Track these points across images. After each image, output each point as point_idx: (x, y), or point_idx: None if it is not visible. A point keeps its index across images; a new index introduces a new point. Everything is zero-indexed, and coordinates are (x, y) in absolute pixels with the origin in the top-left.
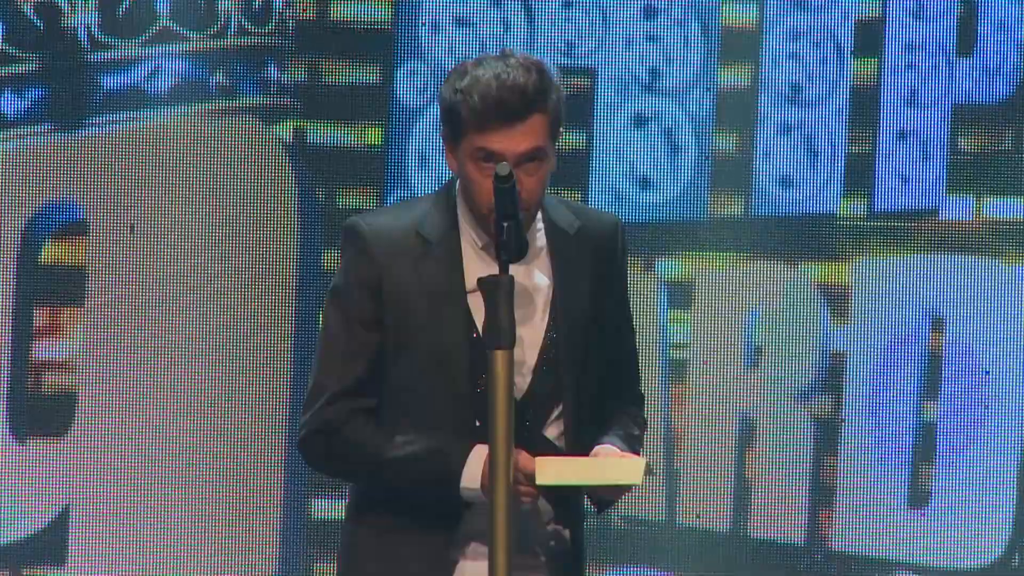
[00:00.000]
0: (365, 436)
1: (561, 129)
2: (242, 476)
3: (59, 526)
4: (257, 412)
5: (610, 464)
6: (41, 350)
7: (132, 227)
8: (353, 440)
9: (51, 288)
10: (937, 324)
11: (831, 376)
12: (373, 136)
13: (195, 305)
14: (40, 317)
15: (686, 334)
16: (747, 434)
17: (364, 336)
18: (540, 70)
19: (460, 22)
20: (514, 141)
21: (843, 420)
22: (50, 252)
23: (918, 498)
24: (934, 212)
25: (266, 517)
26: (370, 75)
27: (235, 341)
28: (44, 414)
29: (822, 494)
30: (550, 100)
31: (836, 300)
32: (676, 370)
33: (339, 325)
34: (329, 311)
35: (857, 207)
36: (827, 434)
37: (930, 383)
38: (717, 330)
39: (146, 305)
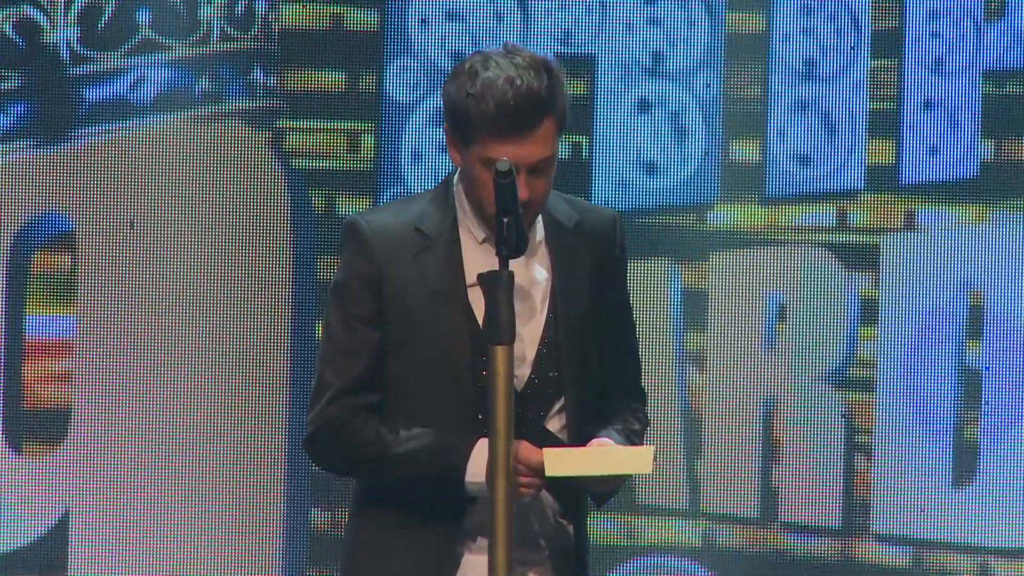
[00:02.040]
0: (369, 433)
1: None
2: (242, 478)
3: (59, 533)
4: (256, 415)
5: (618, 453)
6: (35, 359)
7: (132, 223)
8: (357, 437)
9: (42, 297)
10: (975, 297)
11: (863, 356)
12: (366, 133)
13: (189, 310)
14: (33, 326)
15: (704, 321)
16: (772, 418)
17: (366, 333)
18: (548, 70)
19: (451, 16)
20: (527, 150)
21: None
22: (40, 262)
23: (962, 477)
24: (967, 182)
25: (267, 518)
26: (362, 71)
27: (232, 345)
28: (40, 421)
29: (859, 476)
30: (559, 101)
31: (863, 277)
32: (694, 358)
33: (340, 323)
34: (331, 309)
35: (882, 181)
36: (861, 414)
37: (971, 358)
38: (736, 315)
39: (139, 312)
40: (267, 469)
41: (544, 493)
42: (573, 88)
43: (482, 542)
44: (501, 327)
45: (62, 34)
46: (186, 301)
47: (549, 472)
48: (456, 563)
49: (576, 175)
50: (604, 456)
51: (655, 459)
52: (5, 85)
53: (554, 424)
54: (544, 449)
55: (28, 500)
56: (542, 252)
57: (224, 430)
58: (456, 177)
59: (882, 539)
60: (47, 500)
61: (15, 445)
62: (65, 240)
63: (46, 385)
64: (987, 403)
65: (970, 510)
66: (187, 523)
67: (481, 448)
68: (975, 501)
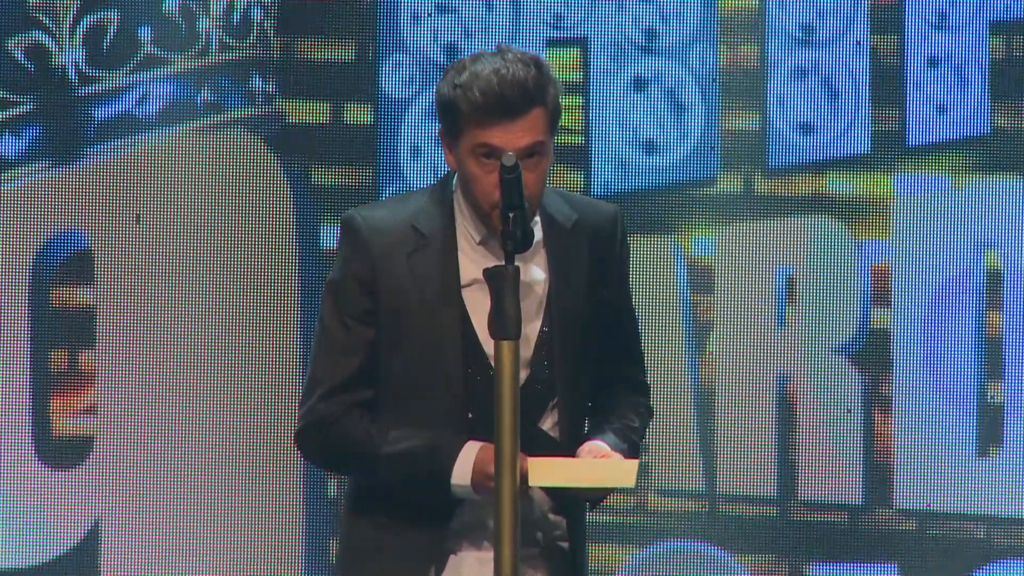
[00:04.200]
0: (360, 431)
1: (559, 123)
2: (264, 481)
3: (90, 543)
4: (272, 419)
5: (603, 466)
6: (59, 373)
7: (138, 217)
8: (349, 435)
9: (63, 309)
10: (992, 258)
11: (878, 325)
12: (363, 130)
13: (205, 317)
14: (56, 337)
15: (712, 299)
16: (787, 394)
17: (359, 330)
18: (538, 64)
19: (441, 8)
20: (514, 136)
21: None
22: (60, 277)
23: (987, 445)
24: (979, 139)
25: (291, 514)
26: (356, 69)
27: (244, 350)
28: (66, 434)
29: (878, 450)
30: (548, 94)
31: (874, 244)
32: (703, 337)
33: (335, 319)
34: (325, 304)
35: (888, 145)
36: (877, 387)
37: (991, 319)
38: (745, 290)
39: (157, 319)
40: (286, 471)
41: (537, 490)
42: (567, 72)
43: (470, 541)
44: (507, 321)
45: (69, 56)
46: (202, 306)
47: (533, 481)
48: (445, 561)
49: (575, 158)
50: (588, 468)
51: (641, 472)
52: (18, 110)
53: (546, 423)
54: (529, 459)
55: (58, 512)
56: (540, 253)
57: (242, 435)
58: (455, 179)
59: (904, 513)
60: (77, 511)
61: (44, 457)
62: (83, 254)
63: (71, 397)
64: (1009, 360)
65: (995, 479)
66: (214, 526)
67: (466, 452)
68: (1000, 470)
